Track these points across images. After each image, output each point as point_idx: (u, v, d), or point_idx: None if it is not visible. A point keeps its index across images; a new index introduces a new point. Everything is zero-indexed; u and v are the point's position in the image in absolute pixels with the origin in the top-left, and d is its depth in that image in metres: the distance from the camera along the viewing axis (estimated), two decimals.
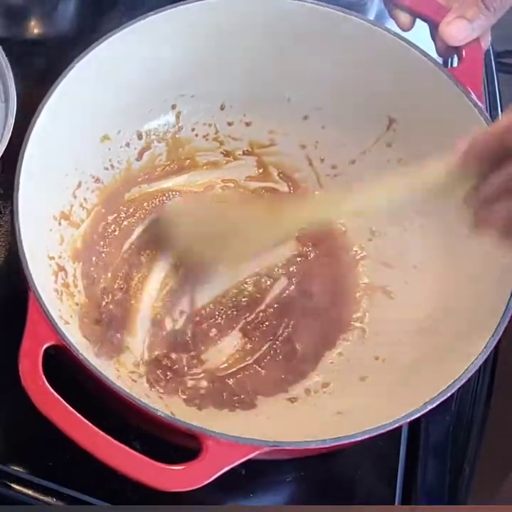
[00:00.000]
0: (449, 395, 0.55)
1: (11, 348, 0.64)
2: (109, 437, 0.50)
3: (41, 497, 0.61)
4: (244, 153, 0.73)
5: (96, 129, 0.67)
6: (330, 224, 0.71)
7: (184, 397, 0.63)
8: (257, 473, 0.64)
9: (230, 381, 0.65)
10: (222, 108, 0.72)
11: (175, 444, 0.56)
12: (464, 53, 0.65)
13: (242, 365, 0.66)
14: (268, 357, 0.66)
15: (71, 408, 0.51)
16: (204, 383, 0.64)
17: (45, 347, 0.52)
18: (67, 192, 0.66)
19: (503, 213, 0.50)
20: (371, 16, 0.85)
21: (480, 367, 0.69)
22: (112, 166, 0.69)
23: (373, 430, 0.53)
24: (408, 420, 0.53)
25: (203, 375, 0.65)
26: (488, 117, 0.61)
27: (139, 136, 0.70)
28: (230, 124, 0.72)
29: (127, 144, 0.70)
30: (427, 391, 0.55)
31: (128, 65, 0.65)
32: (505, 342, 0.68)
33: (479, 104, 0.62)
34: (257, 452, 0.51)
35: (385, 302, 0.68)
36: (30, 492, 0.61)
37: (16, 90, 0.65)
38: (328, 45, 0.67)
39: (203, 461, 0.50)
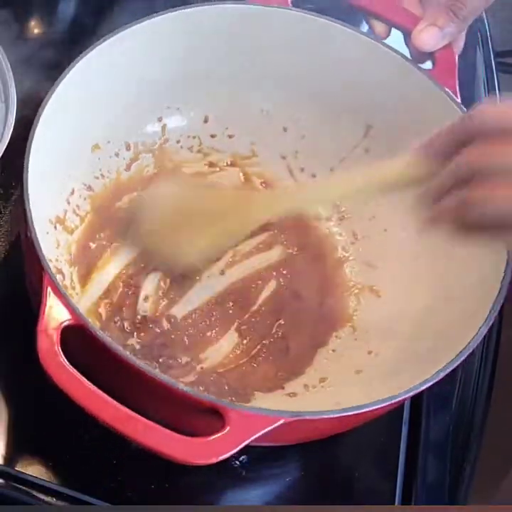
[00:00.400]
0: (448, 370, 0.56)
1: (11, 347, 0.64)
2: (131, 411, 0.50)
3: (41, 497, 0.60)
4: (227, 165, 0.75)
5: (87, 139, 0.69)
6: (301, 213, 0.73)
7: None
8: (256, 473, 0.64)
9: (227, 377, 0.65)
10: (205, 121, 0.74)
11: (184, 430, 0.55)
12: (437, 58, 0.69)
13: (239, 363, 0.66)
14: (263, 355, 0.67)
15: (90, 384, 0.50)
16: (202, 378, 0.65)
17: (63, 325, 0.52)
18: (61, 197, 0.66)
19: (452, 204, 0.51)
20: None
21: (480, 366, 0.72)
22: (102, 175, 0.70)
23: (391, 398, 0.54)
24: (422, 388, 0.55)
25: (200, 371, 0.65)
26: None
27: (128, 147, 0.72)
28: (213, 136, 0.75)
29: (116, 154, 0.71)
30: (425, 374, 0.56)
31: (116, 74, 0.67)
32: (505, 342, 0.71)
33: (458, 100, 0.65)
34: (278, 423, 0.51)
35: (372, 301, 0.70)
36: (30, 492, 0.60)
37: (16, 90, 0.65)
38: (307, 54, 0.70)
39: (227, 433, 0.50)
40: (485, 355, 0.71)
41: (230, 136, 0.75)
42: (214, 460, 0.50)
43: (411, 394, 0.55)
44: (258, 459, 0.63)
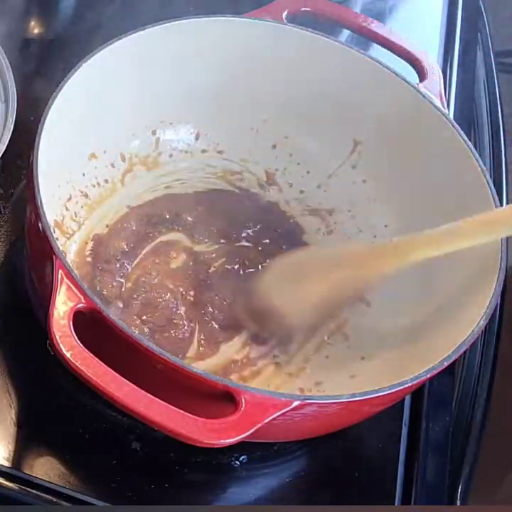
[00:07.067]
0: (441, 368, 0.57)
1: (11, 348, 0.64)
2: (147, 393, 0.50)
3: (41, 497, 0.59)
4: (218, 179, 0.76)
5: (85, 146, 0.70)
6: None
7: None
8: (256, 472, 0.64)
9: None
10: (197, 137, 0.76)
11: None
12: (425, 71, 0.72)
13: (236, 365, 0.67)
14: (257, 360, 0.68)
15: (105, 365, 0.50)
16: None
17: (75, 308, 0.52)
18: (59, 202, 0.67)
19: None
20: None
21: (480, 367, 0.72)
22: (99, 184, 0.71)
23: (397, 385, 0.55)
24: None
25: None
26: (456, 124, 0.68)
27: (123, 158, 0.73)
28: (204, 151, 0.76)
29: (112, 164, 0.72)
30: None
31: (111, 85, 0.69)
32: (505, 343, 0.72)
33: (446, 111, 0.68)
34: (290, 406, 0.52)
35: (364, 310, 0.71)
36: (30, 492, 0.59)
37: (16, 90, 0.66)
38: (295, 70, 0.73)
39: (241, 416, 0.51)
40: (485, 356, 0.72)
41: (221, 152, 0.77)
42: (228, 440, 0.50)
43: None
44: (258, 459, 0.63)
